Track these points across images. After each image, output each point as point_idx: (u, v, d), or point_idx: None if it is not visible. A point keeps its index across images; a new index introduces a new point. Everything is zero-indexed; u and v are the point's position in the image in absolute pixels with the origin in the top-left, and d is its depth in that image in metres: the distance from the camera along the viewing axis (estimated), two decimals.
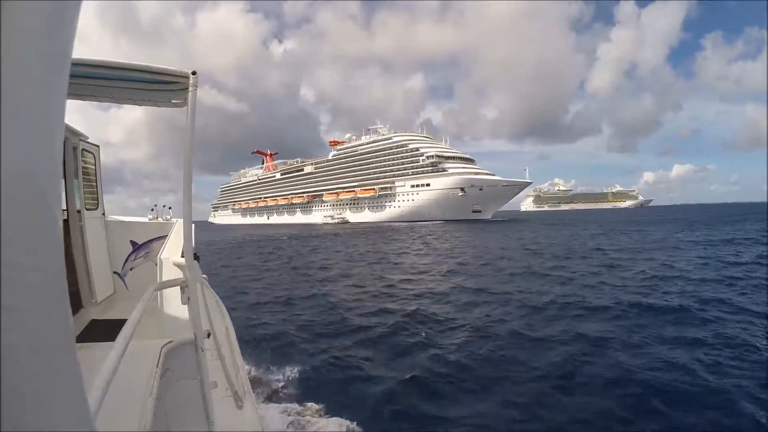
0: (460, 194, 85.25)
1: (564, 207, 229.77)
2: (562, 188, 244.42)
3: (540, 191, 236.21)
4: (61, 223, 0.44)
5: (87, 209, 5.08)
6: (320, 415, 5.33)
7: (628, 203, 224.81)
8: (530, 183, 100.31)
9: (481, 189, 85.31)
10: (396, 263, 20.45)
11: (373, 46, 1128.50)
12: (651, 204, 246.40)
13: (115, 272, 5.63)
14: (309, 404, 5.57)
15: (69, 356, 0.42)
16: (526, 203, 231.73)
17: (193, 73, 2.16)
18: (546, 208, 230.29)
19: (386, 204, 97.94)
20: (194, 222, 2.41)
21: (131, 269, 5.76)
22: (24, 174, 0.39)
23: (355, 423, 5.08)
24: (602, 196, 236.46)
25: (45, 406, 0.39)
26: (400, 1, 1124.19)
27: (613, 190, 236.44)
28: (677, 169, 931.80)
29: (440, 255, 23.37)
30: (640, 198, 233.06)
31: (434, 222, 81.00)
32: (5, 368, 0.37)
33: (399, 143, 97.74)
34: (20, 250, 0.38)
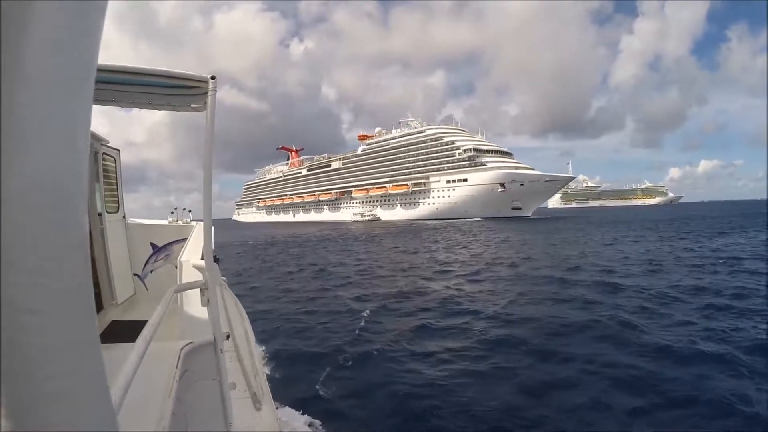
0: (499, 190, 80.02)
1: (592, 204, 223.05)
2: (590, 185, 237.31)
3: (567, 188, 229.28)
4: (87, 228, 0.46)
5: (108, 212, 5.17)
6: None
7: (657, 200, 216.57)
8: (574, 177, 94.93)
9: (522, 184, 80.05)
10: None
11: (391, 44, 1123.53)
12: (680, 201, 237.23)
13: (135, 274, 5.73)
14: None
15: (94, 357, 0.43)
16: (554, 200, 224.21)
17: (212, 77, 2.20)
18: (574, 205, 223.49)
19: (420, 200, 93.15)
20: (218, 219, 2.38)
21: (151, 271, 5.85)
22: (50, 180, 0.40)
23: None
24: (631, 193, 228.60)
25: (70, 406, 0.40)
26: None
27: (642, 187, 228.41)
28: (704, 165, 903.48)
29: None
30: (670, 195, 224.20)
31: (472, 220, 76.27)
32: (31, 369, 0.38)
33: (433, 136, 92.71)
34: (46, 254, 0.39)
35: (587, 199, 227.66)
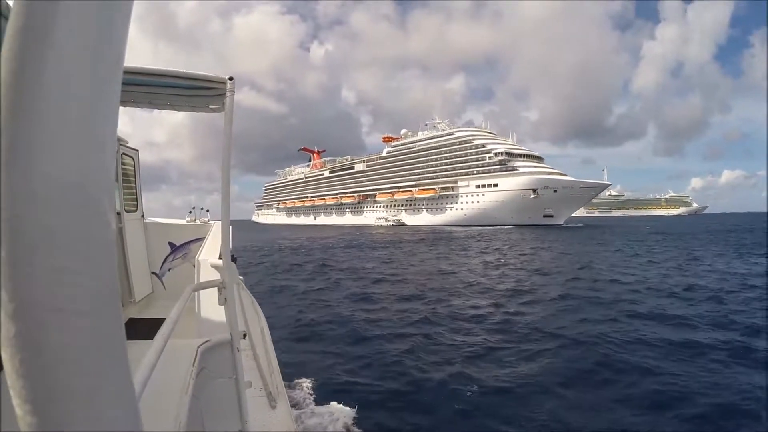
0: (532, 196, 76.79)
1: (616, 213, 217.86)
2: (613, 193, 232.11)
3: None
4: (114, 229, 0.46)
5: (126, 211, 5.29)
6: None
7: (681, 210, 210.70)
8: (610, 185, 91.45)
9: (555, 191, 76.74)
10: None
11: (409, 48, 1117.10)
12: (705, 212, 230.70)
13: (153, 272, 5.82)
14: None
15: (120, 356, 0.44)
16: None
17: (230, 78, 2.24)
18: (597, 213, 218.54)
19: (447, 206, 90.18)
20: (237, 220, 2.57)
21: (169, 270, 5.92)
22: (77, 182, 0.40)
23: None
24: (655, 202, 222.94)
25: (94, 404, 0.40)
26: (432, 0, 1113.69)
27: (666, 196, 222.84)
28: (726, 175, 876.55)
29: None
30: (695, 205, 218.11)
31: (503, 227, 72.98)
32: (56, 367, 0.38)
33: (462, 139, 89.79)
34: (73, 254, 0.40)
35: (610, 208, 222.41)
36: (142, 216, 5.83)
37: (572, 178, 79.21)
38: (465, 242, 39.19)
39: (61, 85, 0.39)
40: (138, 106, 2.63)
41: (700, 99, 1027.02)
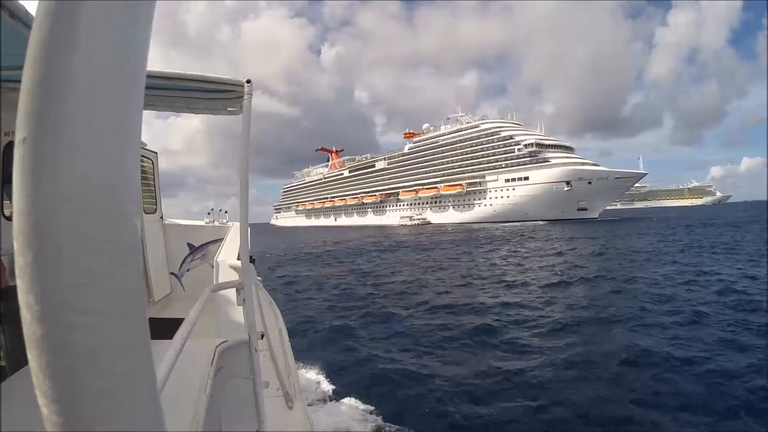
0: (565, 189, 72.63)
1: (638, 204, 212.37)
2: (636, 185, 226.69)
3: None
4: (139, 232, 0.46)
5: (146, 212, 5.38)
6: None
7: (705, 200, 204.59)
8: (646, 174, 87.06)
9: (589, 182, 72.39)
10: None
11: (419, 46, 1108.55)
12: (729, 201, 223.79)
13: (172, 273, 5.92)
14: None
15: (144, 357, 0.44)
16: None
17: (248, 81, 2.28)
18: (619, 206, 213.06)
19: (475, 202, 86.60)
20: (255, 224, 2.71)
21: (188, 270, 6.00)
22: (104, 186, 0.41)
23: None
24: (678, 192, 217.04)
25: (119, 404, 0.41)
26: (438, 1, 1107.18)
27: (690, 186, 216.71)
28: (746, 163, 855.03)
29: None
30: (718, 194, 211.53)
31: (536, 222, 69.30)
32: (82, 367, 0.39)
33: (489, 131, 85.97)
34: (100, 256, 0.40)
35: (633, 200, 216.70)
36: (161, 217, 5.93)
37: (606, 168, 75.05)
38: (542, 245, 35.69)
39: (87, 89, 0.40)
40: (157, 110, 2.60)
41: (716, 85, 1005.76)
